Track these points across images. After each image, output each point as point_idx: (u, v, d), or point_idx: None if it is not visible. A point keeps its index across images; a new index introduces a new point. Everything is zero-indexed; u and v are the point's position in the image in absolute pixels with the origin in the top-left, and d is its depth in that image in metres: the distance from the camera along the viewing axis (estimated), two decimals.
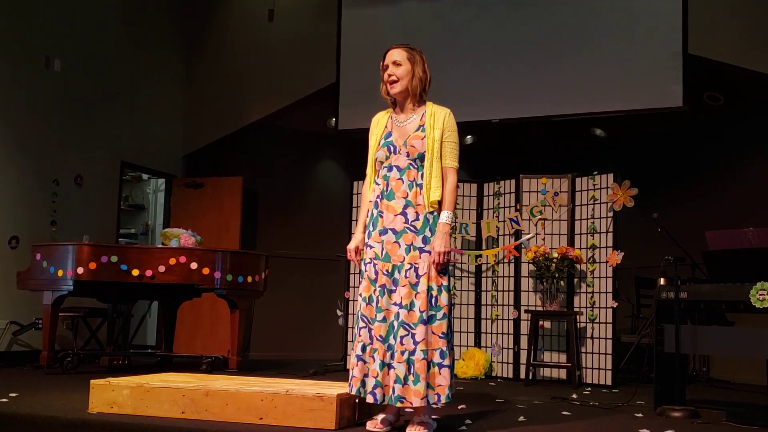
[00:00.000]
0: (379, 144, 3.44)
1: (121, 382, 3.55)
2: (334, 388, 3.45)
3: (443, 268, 3.30)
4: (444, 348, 3.24)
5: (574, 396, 5.03)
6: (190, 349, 7.89)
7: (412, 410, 3.34)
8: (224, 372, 5.70)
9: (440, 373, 3.21)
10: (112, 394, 3.51)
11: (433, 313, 3.25)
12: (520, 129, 7.91)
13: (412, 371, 3.19)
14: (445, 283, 3.30)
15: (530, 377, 5.99)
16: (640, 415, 4.12)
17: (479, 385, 5.80)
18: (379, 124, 3.51)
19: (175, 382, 3.60)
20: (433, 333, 3.23)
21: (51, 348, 5.61)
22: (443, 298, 3.27)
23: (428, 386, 3.19)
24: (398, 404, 3.20)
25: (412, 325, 3.21)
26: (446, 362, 3.23)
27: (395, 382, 3.20)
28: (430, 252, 3.28)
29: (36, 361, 5.83)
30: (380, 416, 3.33)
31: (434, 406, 3.25)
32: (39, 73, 6.99)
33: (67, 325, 6.72)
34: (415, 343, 3.20)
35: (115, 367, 5.81)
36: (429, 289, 3.25)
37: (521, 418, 3.82)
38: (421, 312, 3.22)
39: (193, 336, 8.16)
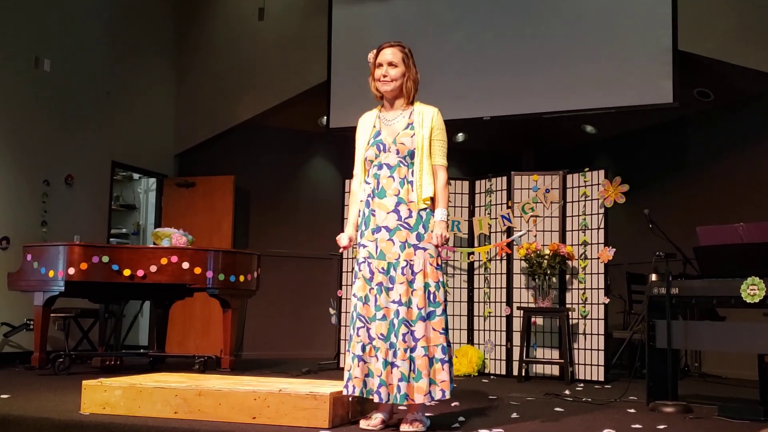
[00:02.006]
0: (368, 143, 3.45)
1: (113, 383, 3.54)
2: (327, 387, 3.44)
3: (438, 264, 3.33)
4: (444, 344, 3.27)
5: (567, 392, 5.04)
6: (183, 349, 7.87)
7: (405, 408, 3.34)
8: (217, 372, 5.69)
9: (443, 369, 3.24)
10: (104, 394, 3.50)
11: (433, 309, 3.27)
12: (511, 126, 7.92)
13: (413, 368, 3.21)
14: (441, 279, 3.33)
15: (523, 374, 6.01)
16: (632, 410, 4.13)
17: (472, 382, 5.81)
18: (367, 123, 3.53)
19: (168, 382, 3.59)
20: (433, 329, 3.26)
21: (43, 349, 5.59)
22: (441, 294, 3.30)
23: (431, 382, 3.21)
24: (405, 402, 3.21)
25: (411, 322, 3.24)
26: (447, 357, 3.26)
27: (400, 380, 3.20)
28: (424, 249, 3.30)
29: (27, 363, 5.80)
30: (374, 414, 3.33)
31: (439, 401, 3.28)
32: (29, 73, 6.96)
33: (59, 325, 6.69)
34: (416, 339, 3.22)
35: (108, 367, 5.79)
36: (426, 285, 3.27)
37: (514, 415, 3.82)
38: (420, 309, 3.24)
39: (186, 336, 8.15)
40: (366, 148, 3.46)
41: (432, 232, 3.32)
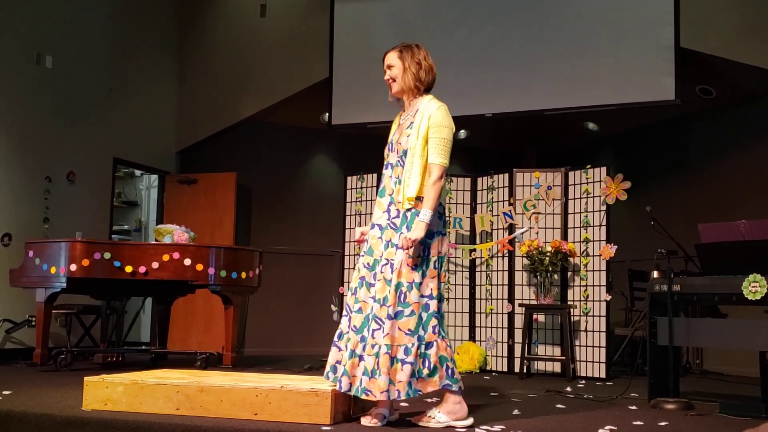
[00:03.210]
0: (387, 142, 3.54)
1: (115, 379, 3.54)
2: (328, 384, 3.44)
3: (415, 265, 3.27)
4: (409, 345, 3.22)
5: (569, 389, 5.04)
6: (185, 346, 7.88)
7: (407, 404, 3.35)
8: (219, 368, 5.70)
9: (402, 370, 3.20)
10: (106, 391, 3.51)
11: (401, 309, 3.24)
12: (513, 123, 7.91)
13: (377, 364, 3.21)
14: (417, 280, 3.26)
15: (525, 371, 6.01)
16: (634, 407, 4.13)
17: (474, 378, 5.81)
18: (394, 123, 3.61)
19: (170, 378, 3.60)
20: (399, 329, 3.22)
21: (44, 345, 5.60)
22: (413, 296, 3.25)
23: (390, 381, 3.18)
24: (363, 396, 3.23)
25: (382, 320, 3.24)
26: (409, 359, 3.20)
27: (363, 374, 3.23)
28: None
29: (29, 359, 5.82)
30: (374, 410, 3.33)
31: (394, 398, 3.23)
32: (31, 69, 6.96)
33: (61, 322, 6.70)
34: (383, 337, 3.23)
35: (109, 364, 5.80)
36: (398, 285, 3.25)
37: (516, 412, 3.83)
38: (388, 307, 3.24)
39: (188, 332, 8.15)
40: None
41: (406, 234, 3.26)
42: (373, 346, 3.23)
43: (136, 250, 5.72)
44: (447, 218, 3.19)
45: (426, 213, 3.26)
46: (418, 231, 3.23)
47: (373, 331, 3.24)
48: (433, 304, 3.31)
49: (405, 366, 3.20)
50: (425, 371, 3.24)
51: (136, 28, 8.26)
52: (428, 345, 3.26)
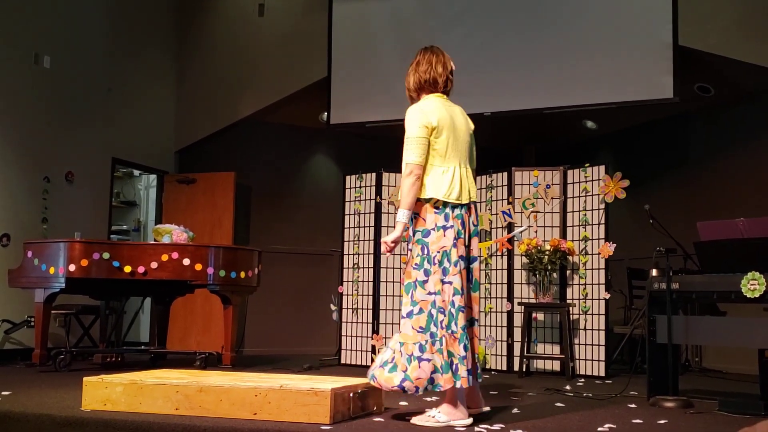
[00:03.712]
0: None
1: (114, 379, 3.54)
2: (328, 383, 3.44)
3: (416, 264, 3.36)
4: (422, 342, 3.28)
5: (568, 387, 5.05)
6: (184, 346, 7.88)
7: (406, 403, 3.38)
8: (218, 368, 5.70)
9: (420, 367, 3.26)
10: (105, 391, 3.50)
11: (411, 308, 3.35)
12: (512, 122, 7.91)
13: (391, 358, 3.31)
14: (421, 278, 3.35)
15: (524, 369, 6.01)
16: (633, 405, 4.14)
17: None
18: None
19: (169, 378, 3.59)
20: (412, 327, 3.32)
21: (43, 346, 5.60)
22: (418, 294, 3.34)
23: (406, 378, 3.25)
24: (372, 382, 3.36)
25: (402, 317, 3.38)
26: (426, 356, 3.26)
27: (379, 361, 3.37)
28: (411, 249, 3.42)
29: (28, 359, 5.81)
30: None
31: (411, 394, 3.34)
32: (29, 69, 6.95)
33: (60, 322, 6.70)
34: (399, 334, 3.36)
35: (109, 364, 5.80)
36: (409, 285, 3.38)
37: (515, 410, 3.83)
38: (405, 306, 3.37)
39: (187, 332, 8.15)
40: None
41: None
42: (393, 342, 3.36)
43: (134, 250, 5.71)
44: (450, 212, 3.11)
45: (400, 213, 3.37)
46: (394, 232, 3.37)
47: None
48: (438, 300, 3.34)
49: (423, 363, 3.26)
50: (442, 367, 3.28)
51: (134, 27, 8.25)
52: (441, 341, 3.31)
